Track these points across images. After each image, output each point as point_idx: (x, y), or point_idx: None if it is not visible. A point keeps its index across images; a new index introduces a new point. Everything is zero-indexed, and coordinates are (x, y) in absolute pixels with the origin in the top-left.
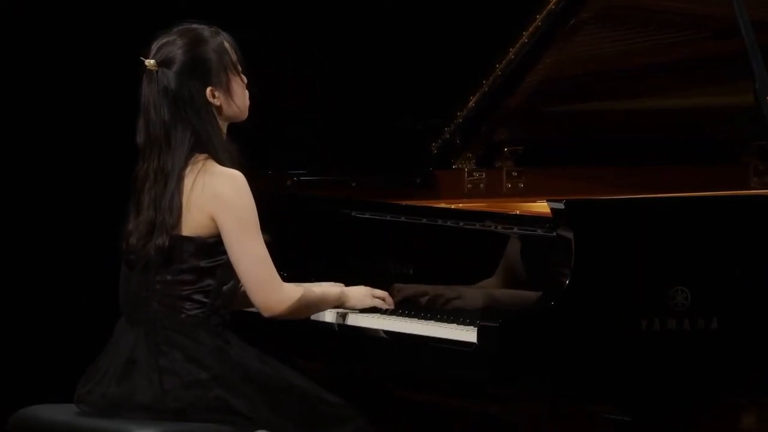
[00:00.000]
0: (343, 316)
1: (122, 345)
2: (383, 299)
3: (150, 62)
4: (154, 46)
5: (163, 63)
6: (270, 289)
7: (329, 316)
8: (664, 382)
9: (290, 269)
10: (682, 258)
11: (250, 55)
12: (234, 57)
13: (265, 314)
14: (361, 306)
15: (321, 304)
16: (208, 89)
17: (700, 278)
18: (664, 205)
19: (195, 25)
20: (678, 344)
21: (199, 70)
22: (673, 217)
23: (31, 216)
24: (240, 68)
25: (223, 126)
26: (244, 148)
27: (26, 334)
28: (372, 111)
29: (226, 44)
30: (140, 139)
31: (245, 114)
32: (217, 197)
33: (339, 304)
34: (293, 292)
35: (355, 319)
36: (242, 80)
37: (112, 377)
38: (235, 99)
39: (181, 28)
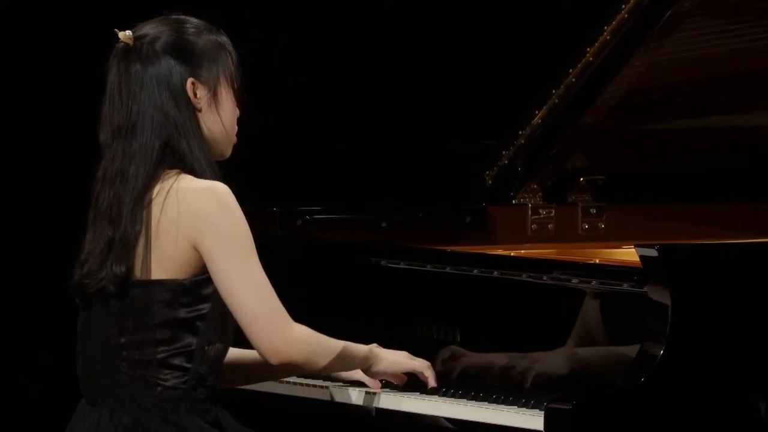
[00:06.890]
0: (366, 397)
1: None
2: (421, 372)
3: (125, 34)
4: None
5: (141, 38)
6: (274, 326)
7: (340, 394)
8: None
9: None
10: None
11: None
12: (232, 67)
13: (271, 359)
14: (393, 371)
15: (343, 357)
16: (190, 80)
17: None
18: None
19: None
20: None
21: (185, 52)
22: None
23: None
24: (236, 86)
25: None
26: (237, 177)
27: None
28: (409, 129)
29: (228, 50)
30: (102, 134)
31: (228, 145)
32: (197, 217)
33: (367, 364)
34: (306, 331)
35: (394, 402)
36: (234, 99)
37: None
38: (221, 113)
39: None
